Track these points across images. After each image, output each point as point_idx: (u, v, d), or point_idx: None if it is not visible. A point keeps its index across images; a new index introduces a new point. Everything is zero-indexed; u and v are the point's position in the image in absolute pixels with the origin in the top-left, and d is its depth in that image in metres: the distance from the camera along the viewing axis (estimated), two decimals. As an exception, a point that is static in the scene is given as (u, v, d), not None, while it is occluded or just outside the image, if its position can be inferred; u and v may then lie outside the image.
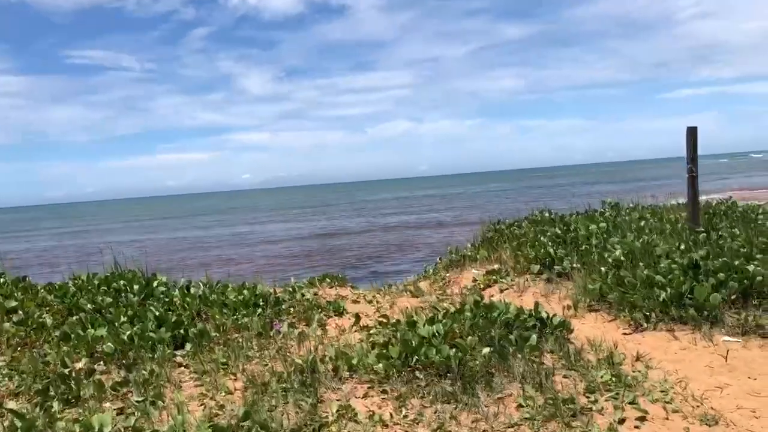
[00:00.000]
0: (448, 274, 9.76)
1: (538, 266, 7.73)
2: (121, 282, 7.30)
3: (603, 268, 6.64)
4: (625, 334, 5.45)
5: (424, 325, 5.13)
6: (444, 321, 5.17)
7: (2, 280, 7.61)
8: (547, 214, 11.04)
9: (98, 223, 75.57)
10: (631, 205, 12.05)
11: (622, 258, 6.89)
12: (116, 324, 6.04)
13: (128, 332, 5.61)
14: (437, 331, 5.02)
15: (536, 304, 5.33)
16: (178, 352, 5.59)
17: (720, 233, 7.48)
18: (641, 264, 6.44)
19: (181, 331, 5.92)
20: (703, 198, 12.55)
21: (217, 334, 5.93)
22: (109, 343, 5.49)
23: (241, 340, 5.75)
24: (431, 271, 10.63)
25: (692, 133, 7.65)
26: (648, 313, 5.58)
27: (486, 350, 4.58)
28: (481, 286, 8.04)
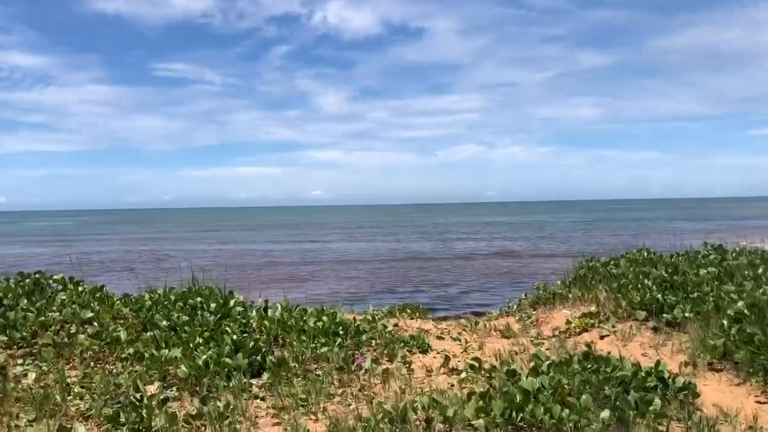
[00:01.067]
0: (534, 312, 9.11)
1: (644, 312, 7.01)
2: (198, 299, 7.02)
3: (724, 322, 5.89)
4: (759, 402, 4.72)
5: (527, 377, 4.57)
6: (550, 373, 4.58)
7: (81, 288, 7.48)
8: (646, 253, 10.21)
9: (172, 231, 77.72)
10: (737, 248, 11.06)
11: (745, 310, 6.11)
12: (191, 345, 5.74)
13: (204, 357, 5.27)
14: (543, 385, 4.45)
15: (658, 362, 4.68)
16: (254, 381, 5.22)
17: None
18: (771, 320, 5.67)
19: (259, 358, 5.56)
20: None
21: (296, 365, 5.53)
22: (184, 367, 5.17)
23: (321, 373, 5.33)
24: (515, 307, 9.99)
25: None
26: (786, 380, 4.83)
27: (605, 414, 3.97)
28: (577, 329, 7.37)
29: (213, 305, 6.86)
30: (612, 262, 9.67)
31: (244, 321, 6.63)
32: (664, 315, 6.76)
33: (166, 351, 5.53)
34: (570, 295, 8.87)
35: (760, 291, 6.75)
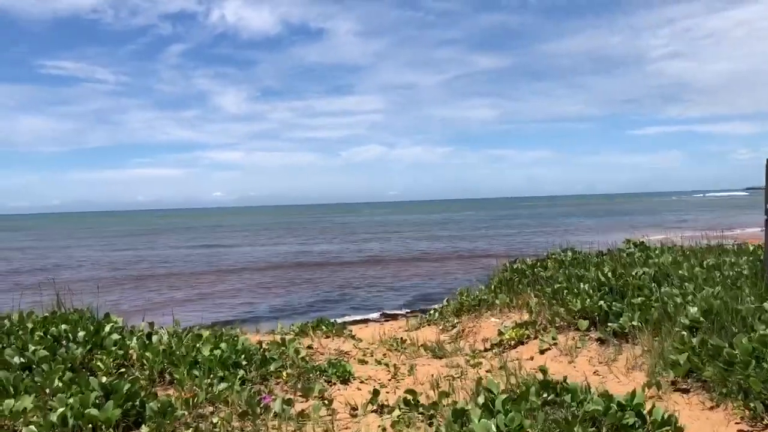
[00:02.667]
0: (459, 321, 8.32)
1: (587, 322, 6.31)
2: (63, 327, 5.68)
3: (684, 333, 5.24)
4: (743, 432, 4.03)
5: (479, 419, 3.66)
6: (508, 412, 3.69)
7: None
8: (571, 253, 9.65)
9: (55, 238, 72.31)
10: (657, 244, 10.77)
11: (700, 317, 5.50)
12: (48, 390, 4.47)
13: (60, 409, 4.02)
14: (500, 429, 3.56)
15: (634, 393, 3.88)
16: (131, 437, 4.04)
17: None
18: (734, 329, 5.06)
19: (137, 404, 4.36)
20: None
21: (185, 411, 4.37)
22: (32, 427, 3.91)
23: (217, 420, 4.21)
24: (437, 314, 9.17)
25: (773, 166, 6.34)
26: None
27: (588, 471, 3.11)
28: (512, 342, 6.60)
29: (81, 333, 5.56)
30: (539, 264, 9.02)
31: (121, 352, 5.39)
32: (610, 324, 6.08)
33: (12, 401, 4.25)
34: (497, 301, 8.14)
35: (708, 293, 6.20)
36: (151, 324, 6.25)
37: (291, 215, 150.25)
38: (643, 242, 10.60)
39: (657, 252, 9.85)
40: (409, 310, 20.78)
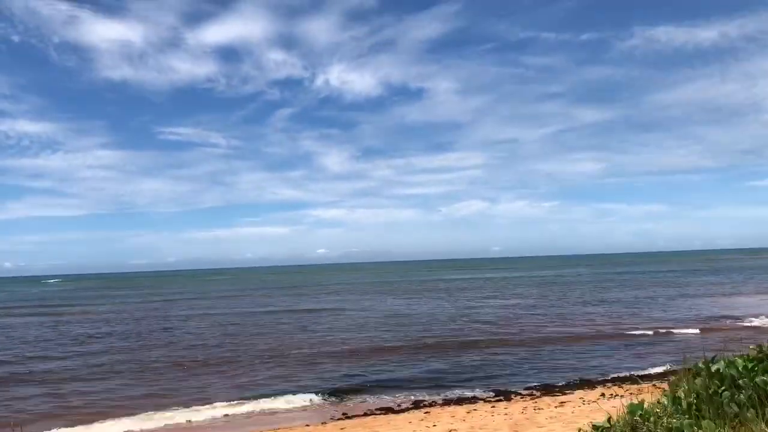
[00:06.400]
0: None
1: None
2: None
3: None
4: None
5: None
6: None
7: None
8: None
9: (159, 295, 73.36)
10: None
11: None
12: None
13: None
14: None
15: None
16: None
17: None
18: None
19: None
20: None
21: None
22: None
23: None
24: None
25: None
26: None
27: None
28: None
29: None
30: (754, 366, 5.95)
31: None
32: None
33: None
34: (700, 433, 5.16)
35: None
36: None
37: (394, 272, 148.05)
38: None
39: None
40: (525, 388, 17.77)
